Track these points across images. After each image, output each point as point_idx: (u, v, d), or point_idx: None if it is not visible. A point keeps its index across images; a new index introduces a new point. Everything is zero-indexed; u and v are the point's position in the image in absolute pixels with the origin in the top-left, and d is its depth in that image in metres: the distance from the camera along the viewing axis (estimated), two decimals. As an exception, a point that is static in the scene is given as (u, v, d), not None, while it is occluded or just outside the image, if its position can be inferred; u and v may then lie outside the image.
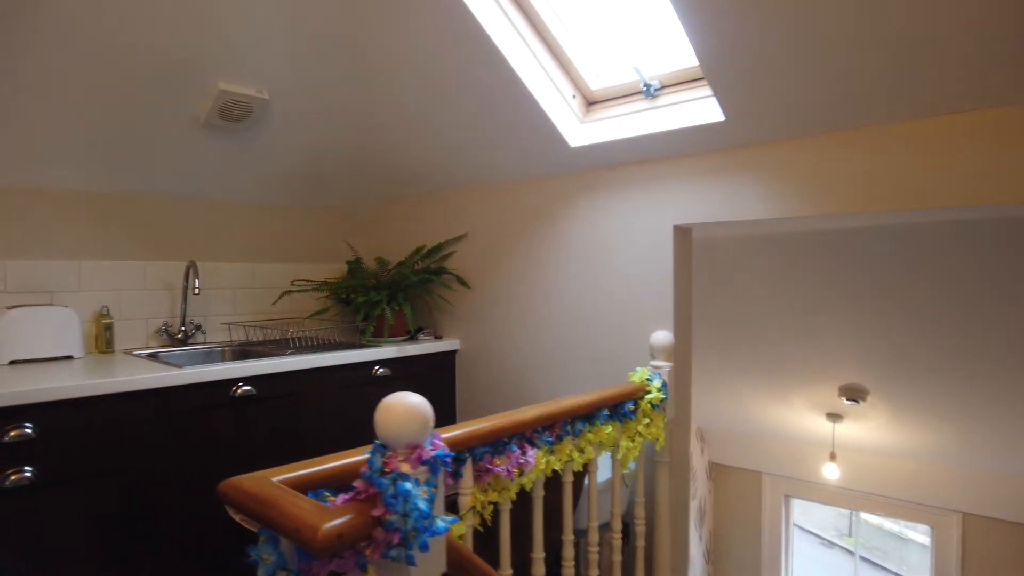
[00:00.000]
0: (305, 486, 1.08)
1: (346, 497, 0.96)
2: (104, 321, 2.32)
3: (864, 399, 3.43)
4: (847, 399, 3.46)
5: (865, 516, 6.44)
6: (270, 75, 2.30)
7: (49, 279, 2.26)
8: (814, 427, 3.95)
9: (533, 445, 1.56)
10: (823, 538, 7.72)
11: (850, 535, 7.35)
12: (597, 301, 2.35)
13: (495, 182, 2.68)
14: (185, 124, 2.32)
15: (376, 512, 0.91)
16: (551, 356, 2.49)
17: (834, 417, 3.77)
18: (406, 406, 0.97)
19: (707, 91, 2.02)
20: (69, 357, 2.16)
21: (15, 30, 1.80)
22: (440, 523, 0.95)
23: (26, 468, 1.65)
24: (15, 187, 2.19)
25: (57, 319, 2.13)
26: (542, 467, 1.56)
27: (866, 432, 3.81)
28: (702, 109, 2.03)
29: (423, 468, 0.97)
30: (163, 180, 2.49)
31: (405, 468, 0.95)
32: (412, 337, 2.76)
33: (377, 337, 2.64)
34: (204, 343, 2.58)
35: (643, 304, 2.23)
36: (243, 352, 2.56)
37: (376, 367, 2.47)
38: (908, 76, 1.60)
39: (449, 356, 2.79)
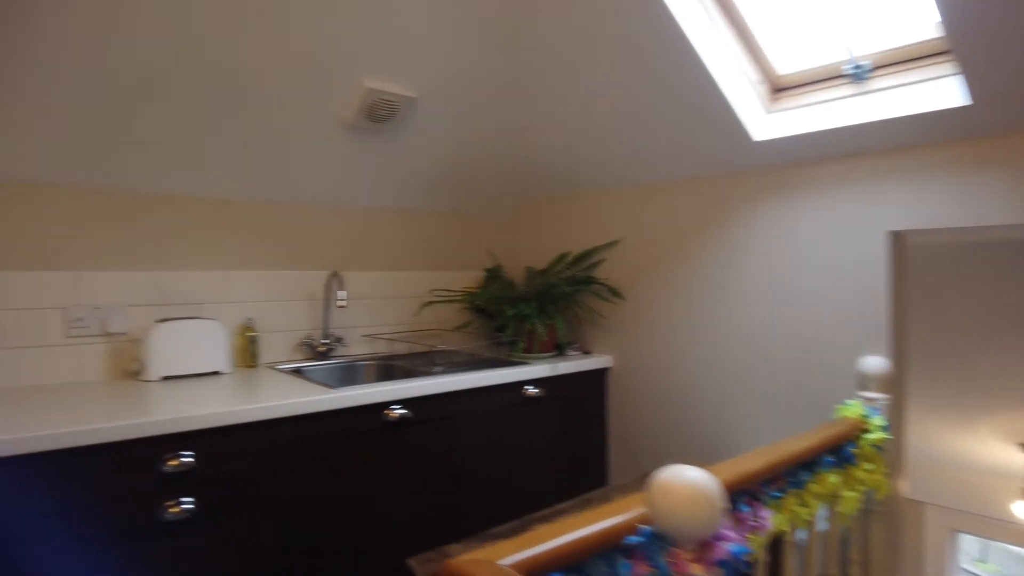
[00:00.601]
0: (542, 568, 0.85)
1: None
2: (249, 334, 2.22)
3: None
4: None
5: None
6: (417, 72, 2.14)
7: (195, 290, 2.19)
8: (1002, 457, 3.44)
9: (760, 502, 1.29)
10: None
11: (984, 561, 6.55)
12: (784, 319, 2.03)
13: (656, 181, 2.40)
14: (330, 127, 2.19)
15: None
16: (721, 381, 2.19)
17: (1032, 448, 3.24)
18: (695, 490, 0.73)
19: (944, 70, 1.68)
20: (217, 373, 2.07)
21: (164, 37, 1.70)
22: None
23: (185, 500, 1.53)
24: (162, 195, 2.13)
25: (206, 333, 2.04)
26: (775, 529, 1.29)
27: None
28: (935, 92, 1.68)
29: (718, 570, 0.73)
30: (305, 187, 2.37)
31: (698, 571, 0.71)
32: (560, 353, 2.53)
33: (526, 353, 2.43)
34: (345, 356, 2.46)
35: (847, 324, 1.89)
36: (387, 367, 2.41)
37: (526, 386, 2.25)
38: None
39: (600, 374, 2.54)
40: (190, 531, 1.55)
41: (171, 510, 1.51)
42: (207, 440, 1.57)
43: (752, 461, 1.29)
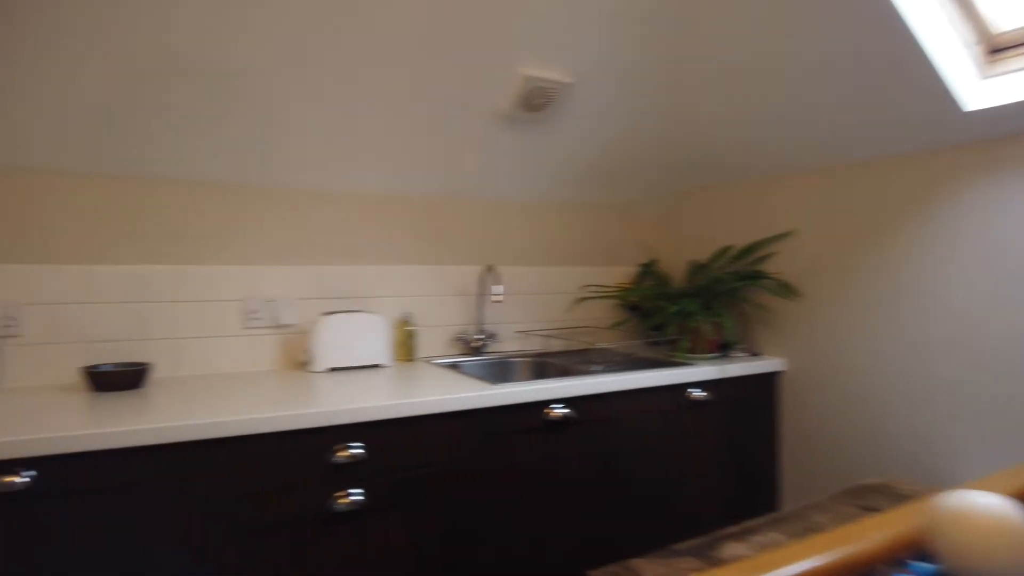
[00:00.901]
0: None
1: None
2: (407, 328, 2.23)
3: None
4: None
5: None
6: (574, 56, 2.04)
7: (356, 285, 2.23)
8: None
9: None
10: None
11: None
12: (1016, 326, 1.72)
13: (837, 163, 2.15)
14: (487, 118, 2.15)
15: None
16: (918, 390, 1.91)
17: None
18: (1008, 527, 0.56)
19: None
20: (378, 366, 2.09)
21: (315, 34, 1.72)
22: None
23: (355, 491, 1.53)
24: (323, 192, 2.18)
25: (369, 326, 2.07)
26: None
27: None
28: None
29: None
30: (460, 181, 2.35)
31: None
32: (724, 354, 2.34)
33: (689, 353, 2.27)
34: (498, 352, 2.41)
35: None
36: (541, 365, 2.34)
37: (690, 389, 2.09)
38: None
39: (771, 379, 2.32)
40: (358, 522, 1.54)
41: (340, 501, 1.51)
42: (375, 432, 1.56)
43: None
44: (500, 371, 2.31)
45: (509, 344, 2.49)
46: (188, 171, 1.96)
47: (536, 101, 2.14)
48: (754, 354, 2.38)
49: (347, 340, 2.02)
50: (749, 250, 2.40)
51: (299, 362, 2.11)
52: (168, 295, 1.96)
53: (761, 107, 2.15)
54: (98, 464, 1.30)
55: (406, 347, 2.23)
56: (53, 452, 1.25)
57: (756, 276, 2.32)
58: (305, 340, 2.06)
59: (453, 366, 2.18)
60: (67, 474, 1.28)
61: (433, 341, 2.36)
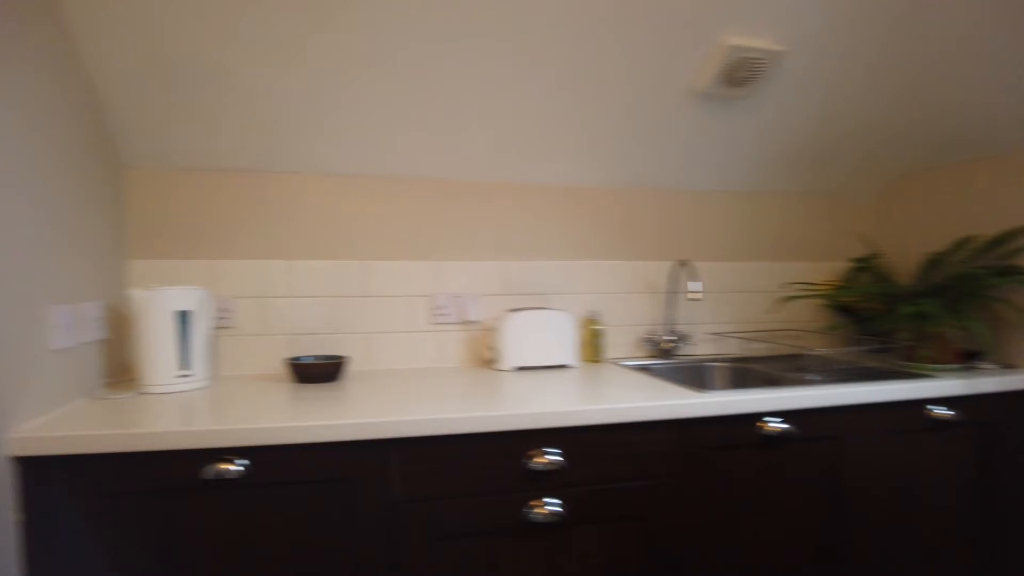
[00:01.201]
0: None
1: None
2: (594, 327, 2.10)
3: None
4: None
5: None
6: (789, 19, 1.79)
7: (539, 280, 2.14)
8: None
9: None
10: None
11: None
12: None
13: None
14: (680, 97, 1.96)
15: None
16: None
17: None
18: None
19: None
20: (565, 366, 1.98)
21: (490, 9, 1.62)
22: None
23: (551, 501, 1.42)
24: (501, 184, 2.11)
25: (556, 324, 1.96)
26: None
27: None
28: None
29: None
30: (649, 169, 2.18)
31: None
32: (969, 365, 1.96)
33: (925, 363, 1.93)
34: (690, 355, 2.21)
35: None
36: (742, 372, 2.11)
37: (930, 406, 1.76)
38: None
39: (1029, 397, 1.91)
40: (555, 535, 1.43)
41: (537, 510, 1.41)
42: (575, 438, 1.44)
43: None
44: (695, 376, 2.11)
45: (702, 347, 2.28)
46: (374, 167, 1.96)
47: (739, 75, 1.91)
48: (1008, 366, 1.98)
49: (534, 338, 1.93)
50: (999, 240, 2.00)
51: (485, 360, 2.05)
52: (360, 290, 1.98)
53: (1012, 72, 1.76)
54: (303, 457, 1.30)
55: (592, 347, 2.10)
56: (265, 443, 1.26)
57: (1015, 272, 1.92)
58: (491, 337, 2.00)
59: (644, 369, 2.02)
60: (275, 465, 1.29)
61: (619, 341, 2.21)
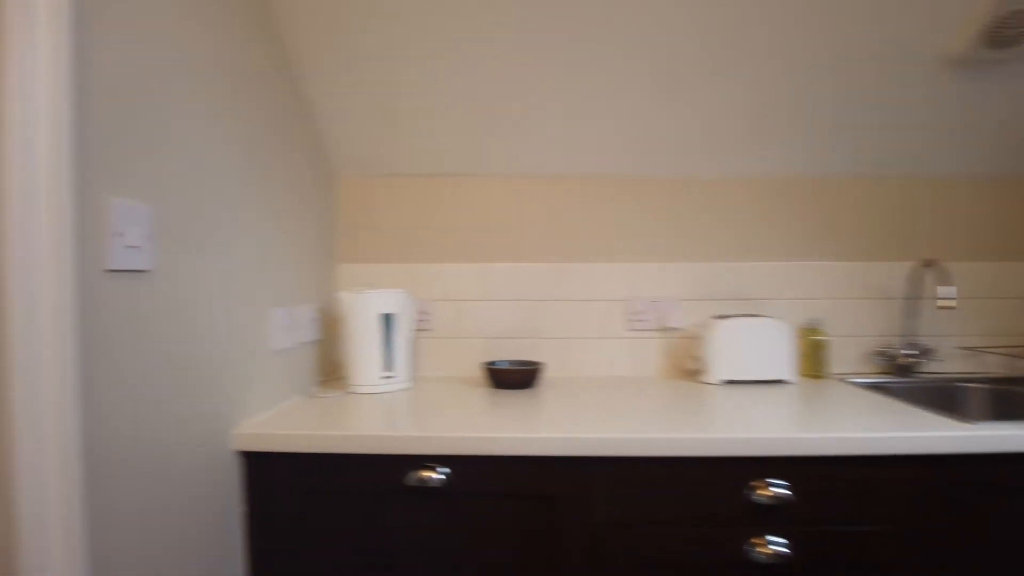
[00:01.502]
0: None
1: None
2: (814, 337, 1.85)
3: None
4: None
5: None
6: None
7: (747, 284, 1.92)
8: None
9: None
10: None
11: None
12: None
13: None
14: (925, 68, 1.65)
15: None
16: None
17: None
18: None
19: None
20: (781, 382, 1.75)
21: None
22: None
23: (775, 539, 1.23)
24: (701, 177, 1.92)
25: (770, 334, 1.74)
26: None
27: None
28: None
29: None
30: (881, 153, 1.87)
31: None
32: None
33: None
34: (936, 374, 1.87)
35: None
36: (1004, 395, 1.74)
37: None
38: None
39: None
40: (781, 580, 1.25)
41: (759, 549, 1.23)
42: (803, 469, 1.24)
43: None
44: (944, 399, 1.77)
45: (949, 363, 1.92)
46: (564, 167, 1.88)
47: (1008, 32, 1.56)
48: None
49: (746, 349, 1.73)
50: None
51: (686, 370, 1.89)
52: (554, 293, 1.91)
53: None
54: (502, 468, 1.24)
55: (812, 360, 1.84)
56: (466, 452, 1.22)
57: None
58: (694, 346, 1.83)
59: (878, 388, 1.74)
60: (476, 475, 1.24)
61: (843, 355, 1.93)
